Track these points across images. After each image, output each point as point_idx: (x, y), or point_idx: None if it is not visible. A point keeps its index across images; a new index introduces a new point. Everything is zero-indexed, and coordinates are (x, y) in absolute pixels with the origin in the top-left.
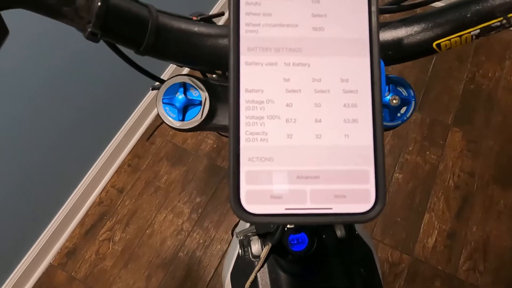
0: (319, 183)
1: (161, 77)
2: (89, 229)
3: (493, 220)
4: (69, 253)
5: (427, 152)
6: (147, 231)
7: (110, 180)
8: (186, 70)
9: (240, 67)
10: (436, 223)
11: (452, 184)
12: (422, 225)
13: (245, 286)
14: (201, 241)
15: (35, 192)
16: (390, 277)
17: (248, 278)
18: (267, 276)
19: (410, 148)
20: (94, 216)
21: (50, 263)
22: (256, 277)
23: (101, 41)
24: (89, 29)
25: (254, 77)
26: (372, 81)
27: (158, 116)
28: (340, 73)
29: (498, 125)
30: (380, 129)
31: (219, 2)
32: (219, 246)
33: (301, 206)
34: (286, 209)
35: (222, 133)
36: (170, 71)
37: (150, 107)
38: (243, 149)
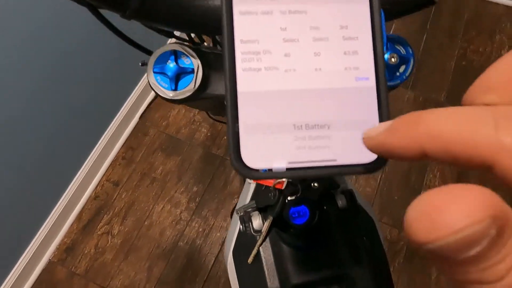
0: (322, 133)
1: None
2: (86, 223)
3: None
4: (68, 249)
5: None
6: (146, 223)
7: (105, 173)
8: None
9: (234, 17)
10: None
11: None
12: None
13: (248, 261)
14: (200, 229)
15: (29, 189)
16: (389, 255)
17: (250, 253)
18: (270, 249)
19: None
20: (91, 211)
21: (50, 259)
22: (258, 251)
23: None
24: None
25: (249, 27)
26: (373, 28)
27: (148, 87)
28: (339, 19)
29: None
30: (382, 76)
31: None
32: (218, 234)
33: (304, 159)
34: (289, 162)
35: (213, 117)
36: None
37: (142, 97)
38: (241, 103)
